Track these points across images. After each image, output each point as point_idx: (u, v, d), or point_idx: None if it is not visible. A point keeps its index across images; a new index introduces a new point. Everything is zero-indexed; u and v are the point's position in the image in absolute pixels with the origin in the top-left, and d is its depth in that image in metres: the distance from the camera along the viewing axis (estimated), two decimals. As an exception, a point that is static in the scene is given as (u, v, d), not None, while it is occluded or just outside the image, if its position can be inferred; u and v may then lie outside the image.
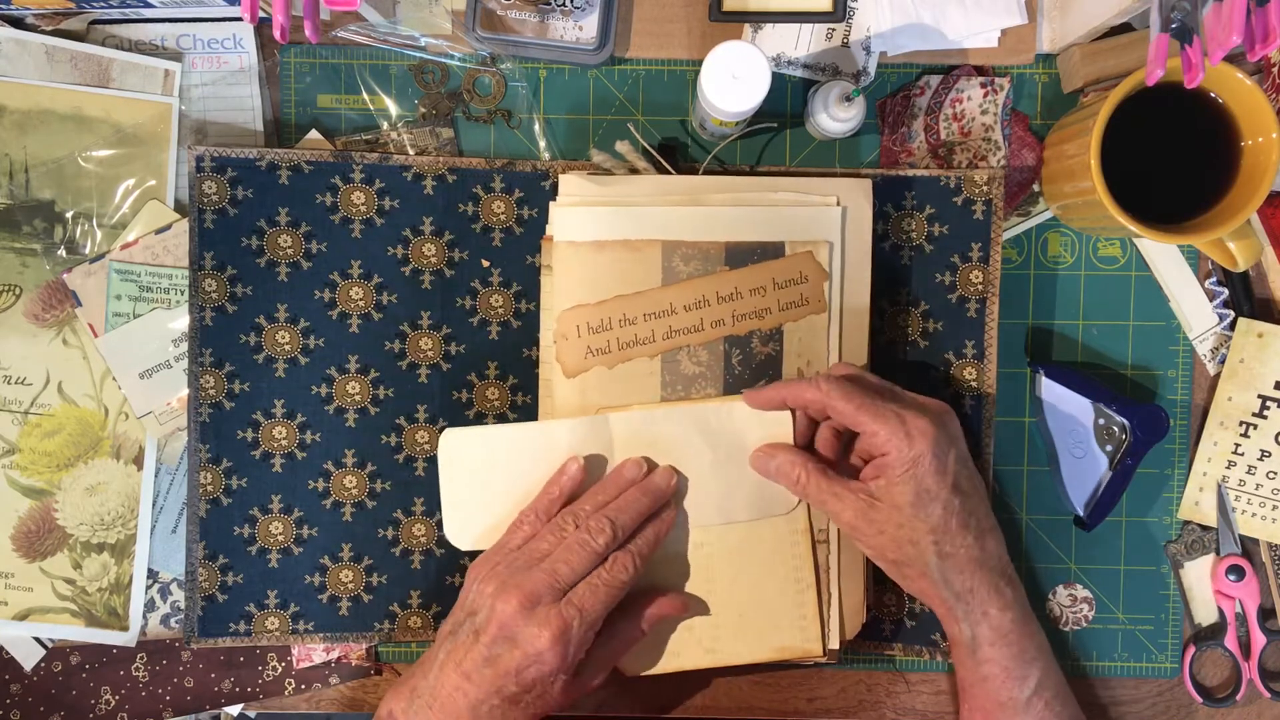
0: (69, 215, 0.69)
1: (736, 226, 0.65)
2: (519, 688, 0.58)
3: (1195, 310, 0.70)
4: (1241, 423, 0.70)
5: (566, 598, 0.58)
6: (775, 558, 0.65)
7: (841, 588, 0.66)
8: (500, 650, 0.57)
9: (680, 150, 0.70)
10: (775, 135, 0.70)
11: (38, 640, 0.71)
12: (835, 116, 0.65)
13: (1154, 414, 0.67)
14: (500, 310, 0.69)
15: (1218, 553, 0.71)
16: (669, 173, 0.67)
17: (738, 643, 0.65)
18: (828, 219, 0.65)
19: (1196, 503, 0.71)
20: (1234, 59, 0.60)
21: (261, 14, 0.58)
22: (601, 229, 0.65)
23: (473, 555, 0.67)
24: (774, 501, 0.64)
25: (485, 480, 0.65)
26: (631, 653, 0.64)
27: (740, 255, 0.65)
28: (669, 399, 0.65)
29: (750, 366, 0.65)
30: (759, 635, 0.65)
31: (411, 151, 0.69)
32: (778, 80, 0.69)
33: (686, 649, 0.65)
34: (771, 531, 0.65)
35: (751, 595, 0.65)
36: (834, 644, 0.65)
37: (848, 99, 0.65)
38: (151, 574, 0.70)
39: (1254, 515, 0.71)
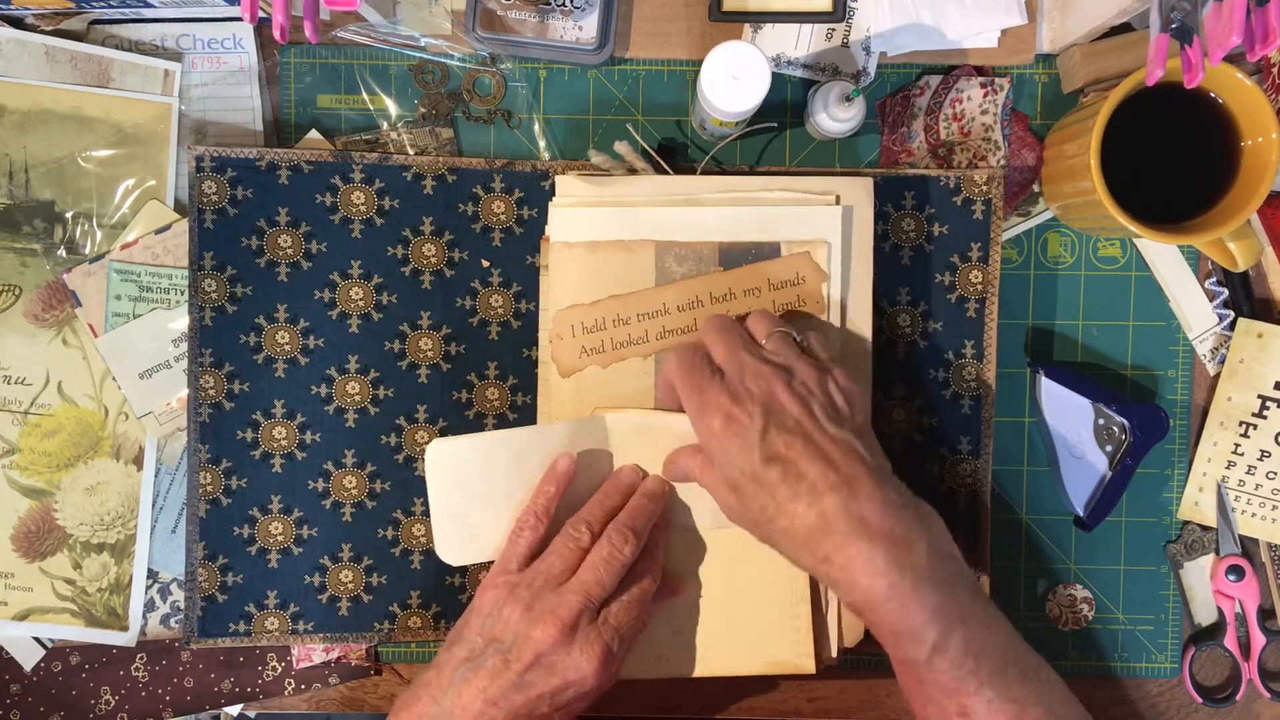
0: (69, 215, 0.69)
1: (731, 227, 0.64)
2: (551, 708, 0.56)
3: (1195, 310, 0.70)
4: (1241, 423, 0.70)
5: (603, 617, 0.57)
6: (769, 568, 0.64)
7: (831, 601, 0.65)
8: (536, 678, 0.56)
9: (680, 151, 0.70)
10: (775, 135, 0.70)
11: (38, 640, 0.71)
12: (835, 116, 0.65)
13: (1154, 414, 0.67)
14: (500, 310, 0.69)
15: (1218, 553, 0.71)
16: (667, 173, 0.67)
17: (729, 653, 0.64)
18: (826, 219, 0.65)
19: (1196, 503, 0.71)
20: (1234, 59, 0.60)
21: (261, 14, 0.58)
22: (596, 229, 0.64)
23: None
24: None
25: (480, 490, 0.63)
26: None
27: (735, 256, 0.65)
28: (662, 399, 0.65)
29: (750, 366, 0.65)
30: (750, 646, 0.64)
31: (411, 151, 0.69)
32: (778, 80, 0.69)
33: (676, 655, 0.65)
34: None
35: (744, 605, 0.64)
36: (833, 652, 0.65)
37: (848, 99, 0.65)
38: (151, 574, 0.70)
39: (1254, 515, 0.71)
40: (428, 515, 0.69)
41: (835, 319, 0.65)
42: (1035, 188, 0.70)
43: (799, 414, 0.56)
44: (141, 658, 0.71)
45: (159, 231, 0.69)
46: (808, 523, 0.54)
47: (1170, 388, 0.71)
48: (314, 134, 0.69)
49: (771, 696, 0.71)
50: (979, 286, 0.68)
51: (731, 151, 0.70)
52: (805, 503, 0.54)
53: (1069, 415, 0.69)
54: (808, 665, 0.64)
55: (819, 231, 0.65)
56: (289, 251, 0.68)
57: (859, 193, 0.65)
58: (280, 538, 0.69)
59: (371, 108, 0.70)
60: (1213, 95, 0.62)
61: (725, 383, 0.57)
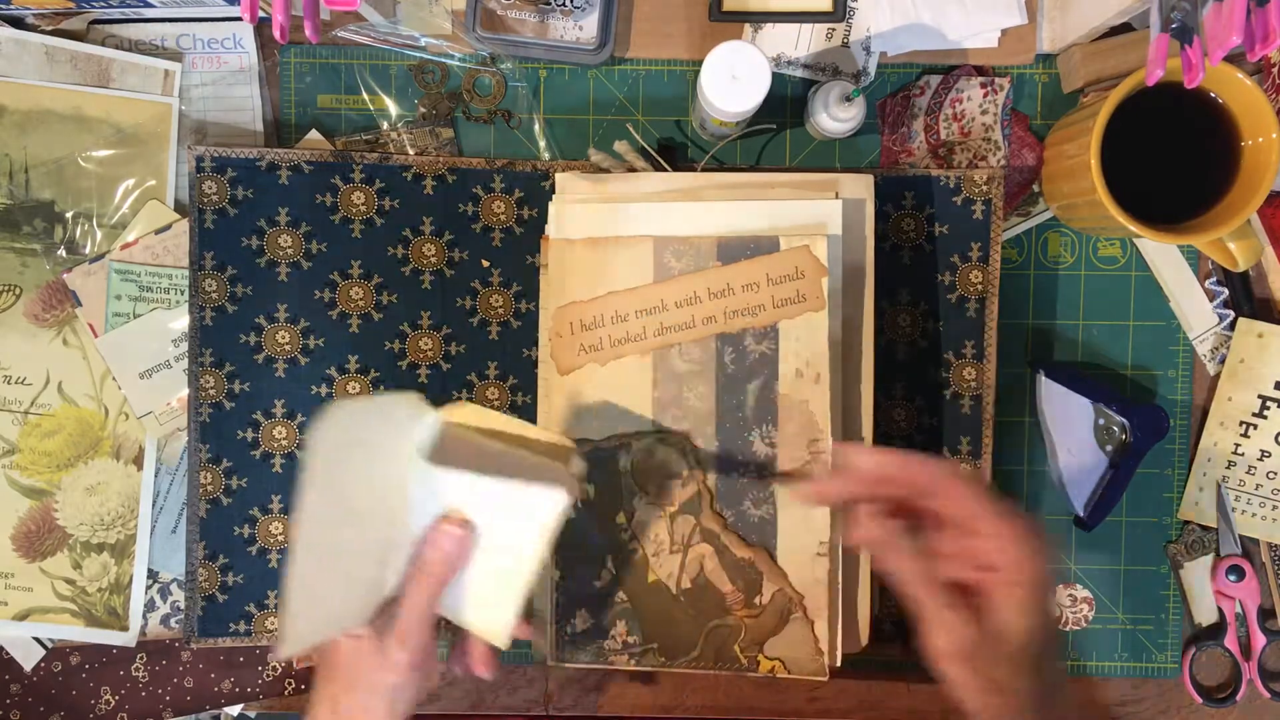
0: (69, 215, 0.69)
1: (729, 221, 0.64)
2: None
3: (1195, 310, 0.70)
4: (1241, 423, 0.70)
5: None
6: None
7: (844, 603, 0.64)
8: None
9: (680, 150, 0.70)
10: (775, 135, 0.70)
11: (38, 640, 0.71)
12: (835, 116, 0.65)
13: (1154, 414, 0.67)
14: (500, 310, 0.69)
15: (1218, 553, 0.71)
16: (666, 171, 0.67)
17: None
18: (826, 213, 0.64)
19: (1196, 503, 0.71)
20: (1234, 59, 0.60)
21: (261, 14, 0.58)
22: (595, 226, 0.64)
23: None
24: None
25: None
26: None
27: (733, 250, 0.64)
28: (660, 398, 0.64)
29: (744, 365, 0.65)
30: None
31: (411, 151, 0.69)
32: (778, 80, 0.69)
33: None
34: None
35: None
36: (837, 661, 0.64)
37: (848, 99, 0.65)
38: (151, 574, 0.70)
39: (1254, 515, 0.71)
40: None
41: (836, 315, 0.65)
42: (1035, 188, 0.70)
43: None
44: (141, 658, 0.71)
45: (159, 231, 0.69)
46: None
47: (1170, 388, 0.71)
48: (314, 134, 0.69)
49: (772, 697, 0.71)
50: (979, 286, 0.68)
51: (731, 151, 0.70)
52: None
53: (1069, 415, 0.69)
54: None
55: (819, 226, 0.64)
56: (289, 251, 0.68)
57: (860, 188, 0.65)
58: (280, 538, 0.69)
59: (371, 108, 0.70)
60: (1213, 95, 0.62)
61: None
